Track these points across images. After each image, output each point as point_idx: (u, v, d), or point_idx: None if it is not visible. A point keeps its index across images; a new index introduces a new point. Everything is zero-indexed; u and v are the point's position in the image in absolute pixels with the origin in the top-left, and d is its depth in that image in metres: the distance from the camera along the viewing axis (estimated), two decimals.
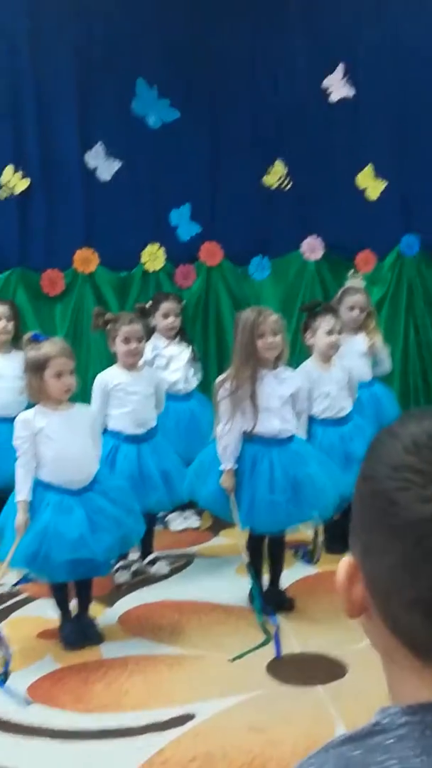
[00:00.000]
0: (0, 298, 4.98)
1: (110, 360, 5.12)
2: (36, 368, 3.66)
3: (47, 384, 3.66)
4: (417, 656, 0.81)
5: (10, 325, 4.79)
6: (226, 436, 3.96)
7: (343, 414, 4.62)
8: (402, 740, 0.78)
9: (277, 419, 3.98)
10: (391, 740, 0.78)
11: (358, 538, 0.83)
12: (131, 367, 4.38)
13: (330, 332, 4.51)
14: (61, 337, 3.97)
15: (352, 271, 5.68)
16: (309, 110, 5.91)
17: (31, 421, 3.68)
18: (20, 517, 3.59)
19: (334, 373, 4.60)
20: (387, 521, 0.79)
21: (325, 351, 4.55)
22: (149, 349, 5.00)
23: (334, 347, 4.55)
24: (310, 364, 4.62)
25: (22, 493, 3.64)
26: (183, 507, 5.06)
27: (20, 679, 3.45)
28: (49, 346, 3.69)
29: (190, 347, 5.22)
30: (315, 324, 4.53)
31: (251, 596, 4.09)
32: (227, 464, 3.97)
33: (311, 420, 4.59)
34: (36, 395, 3.73)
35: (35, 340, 3.73)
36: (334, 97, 5.97)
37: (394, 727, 0.79)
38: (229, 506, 4.01)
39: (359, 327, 5.22)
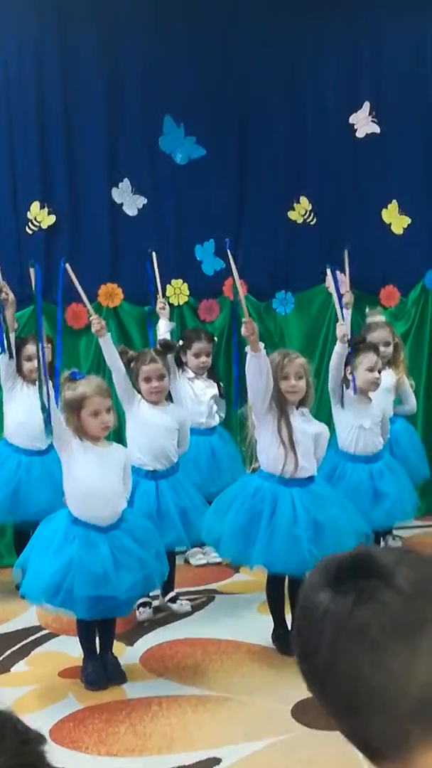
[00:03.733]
0: (36, 336, 4.99)
1: None
2: (72, 408, 3.68)
3: (85, 423, 3.68)
4: None
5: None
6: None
7: (375, 451, 4.61)
8: None
9: (299, 455, 3.95)
10: None
11: None
12: (155, 403, 4.39)
13: (371, 369, 4.52)
14: (97, 375, 3.97)
15: (368, 308, 5.69)
16: (335, 147, 5.94)
17: (72, 443, 3.70)
18: None
19: (371, 408, 4.59)
20: None
21: (365, 387, 4.54)
22: (179, 379, 5.02)
23: (375, 384, 4.56)
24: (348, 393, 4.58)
25: None
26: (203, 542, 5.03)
27: (42, 719, 3.41)
28: (85, 386, 3.71)
29: (217, 384, 5.23)
30: (357, 360, 4.53)
31: (274, 636, 4.05)
32: None
33: (341, 455, 4.57)
34: (76, 433, 3.74)
35: (72, 378, 3.75)
36: (360, 134, 6.00)
37: None
38: (242, 549, 3.96)
39: (387, 362, 5.22)
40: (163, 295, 5.48)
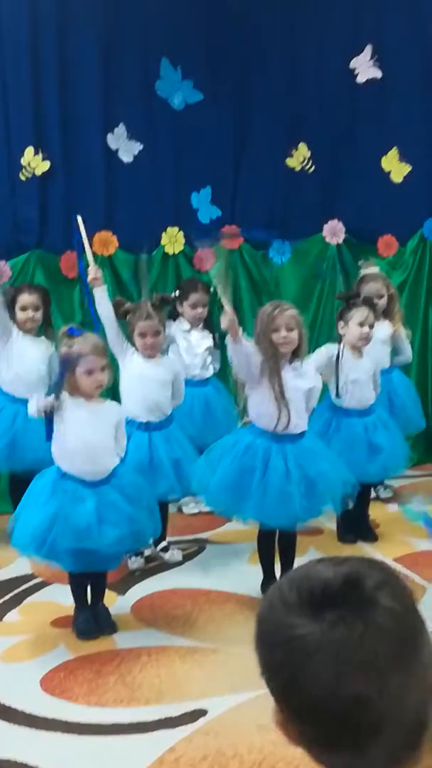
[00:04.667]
0: (32, 286, 4.95)
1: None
2: (67, 365, 3.67)
3: (78, 380, 3.67)
4: None
5: (38, 314, 4.79)
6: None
7: (368, 404, 4.63)
8: None
9: (292, 411, 3.96)
10: None
11: None
12: (149, 357, 4.39)
13: (362, 324, 4.51)
14: (94, 333, 3.96)
15: (362, 261, 5.64)
16: (335, 92, 5.84)
17: (64, 400, 3.70)
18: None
19: (363, 363, 4.60)
20: None
21: (355, 343, 4.56)
22: (174, 330, 5.01)
23: (365, 340, 4.57)
24: (340, 347, 4.59)
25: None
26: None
27: (33, 669, 3.49)
28: (81, 343, 3.69)
29: (212, 335, 5.22)
30: (348, 314, 4.54)
31: (264, 587, 4.11)
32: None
33: (336, 410, 4.58)
34: (69, 389, 3.74)
35: (70, 334, 3.73)
36: (361, 79, 5.88)
37: None
38: (232, 504, 4.01)
39: (382, 313, 5.21)
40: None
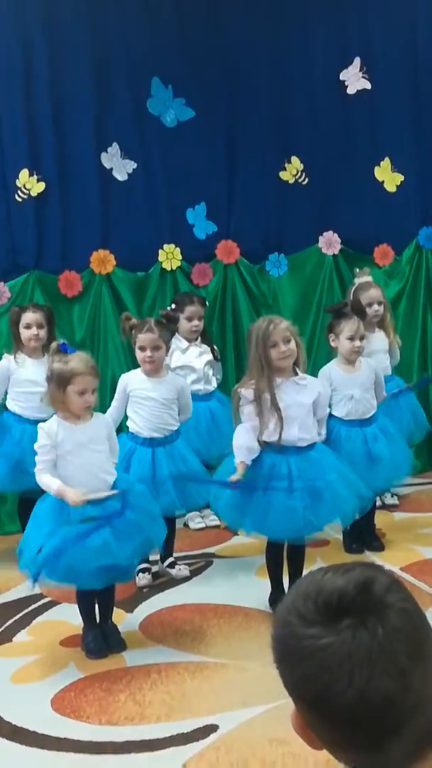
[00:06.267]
0: (36, 305, 4.97)
1: (127, 361, 5.16)
2: (60, 381, 3.66)
3: (69, 398, 3.67)
4: None
5: (42, 332, 4.80)
6: (243, 435, 3.95)
7: (368, 415, 4.62)
8: None
9: (295, 427, 3.96)
10: None
11: None
12: (151, 373, 4.39)
13: (352, 337, 4.50)
14: (87, 352, 3.96)
15: (357, 269, 5.66)
16: (325, 105, 5.88)
17: (54, 431, 3.70)
18: (72, 494, 3.58)
19: (358, 375, 4.59)
20: None
21: (347, 356, 4.55)
22: (172, 349, 5.01)
23: (356, 352, 4.55)
24: (333, 367, 4.61)
25: (54, 484, 3.63)
26: (201, 507, 5.08)
27: (44, 690, 3.49)
28: (77, 362, 3.68)
29: (211, 347, 5.23)
30: (338, 327, 4.54)
31: (271, 599, 4.11)
32: (240, 458, 3.93)
33: (335, 421, 4.58)
34: (56, 405, 3.74)
35: (63, 351, 3.73)
36: (351, 91, 5.93)
37: None
38: (239, 518, 4.03)
39: (378, 322, 5.22)
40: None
